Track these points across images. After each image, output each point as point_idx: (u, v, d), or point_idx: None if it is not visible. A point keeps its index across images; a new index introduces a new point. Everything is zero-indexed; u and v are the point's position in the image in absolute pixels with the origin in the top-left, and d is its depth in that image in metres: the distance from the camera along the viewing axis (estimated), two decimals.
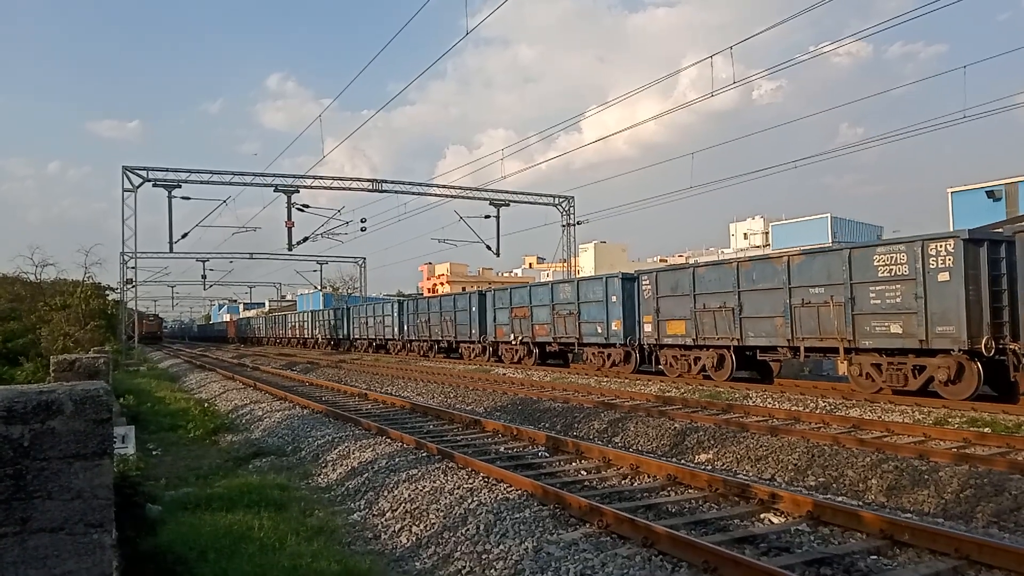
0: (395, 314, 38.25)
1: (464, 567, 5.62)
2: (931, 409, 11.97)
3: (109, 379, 10.10)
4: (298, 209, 35.66)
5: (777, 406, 13.12)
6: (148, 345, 63.80)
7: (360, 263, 65.41)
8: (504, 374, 22.25)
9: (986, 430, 10.07)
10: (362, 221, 40.07)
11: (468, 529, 6.28)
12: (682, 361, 18.58)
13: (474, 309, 29.46)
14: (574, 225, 41.49)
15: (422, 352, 35.19)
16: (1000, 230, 13.77)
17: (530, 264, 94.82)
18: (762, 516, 6.45)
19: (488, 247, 40.97)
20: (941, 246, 12.54)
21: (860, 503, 7.50)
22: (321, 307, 61.89)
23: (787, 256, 15.73)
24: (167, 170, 34.44)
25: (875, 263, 13.57)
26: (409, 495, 7.58)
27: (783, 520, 6.30)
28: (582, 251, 69.54)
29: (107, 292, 39.77)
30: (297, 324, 60.27)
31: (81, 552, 2.15)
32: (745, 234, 67.70)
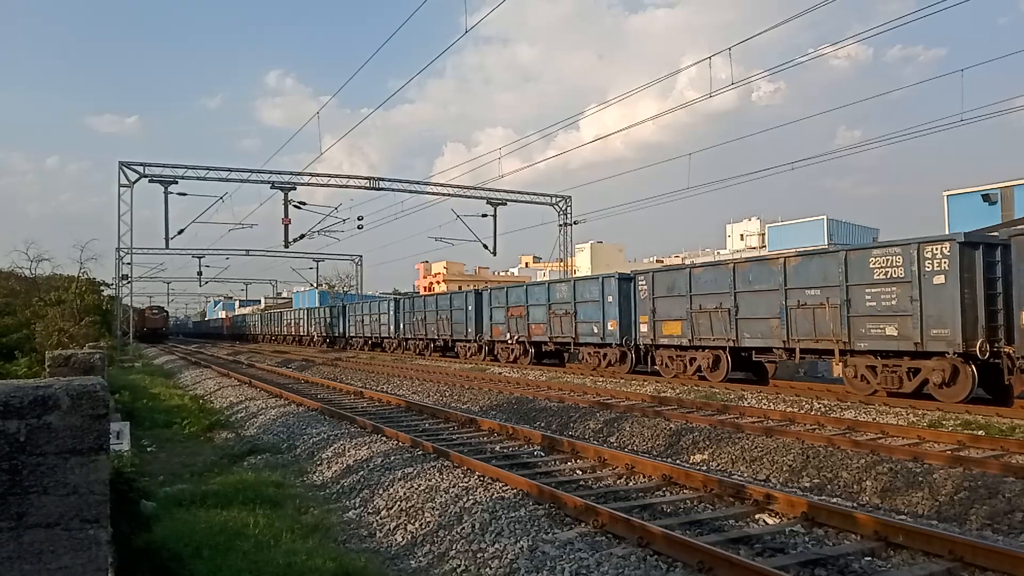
0: (391, 312, 38.23)
1: (459, 565, 5.62)
2: (925, 411, 12.01)
3: (105, 375, 10.06)
4: (295, 206, 35.64)
5: (772, 407, 13.15)
6: (152, 343, 61.74)
7: (356, 261, 65.39)
8: (500, 373, 22.24)
9: (980, 433, 10.10)
10: (359, 219, 40.07)
11: (463, 528, 6.28)
12: (678, 362, 18.61)
13: (470, 308, 29.46)
14: (571, 225, 41.53)
15: (418, 351, 35.17)
16: (996, 233, 13.82)
17: (526, 263, 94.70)
18: (757, 517, 6.47)
19: (485, 246, 41.02)
20: (937, 249, 12.58)
21: (854, 504, 7.51)
22: (317, 305, 61.81)
23: (783, 258, 15.77)
24: (164, 166, 34.40)
25: (871, 265, 13.60)
26: (404, 493, 7.57)
27: (778, 521, 6.32)
28: (579, 251, 69.51)
29: (102, 288, 39.65)
30: (293, 321, 60.20)
31: (77, 548, 2.14)
32: (741, 235, 67.86)
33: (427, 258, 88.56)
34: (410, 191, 39.32)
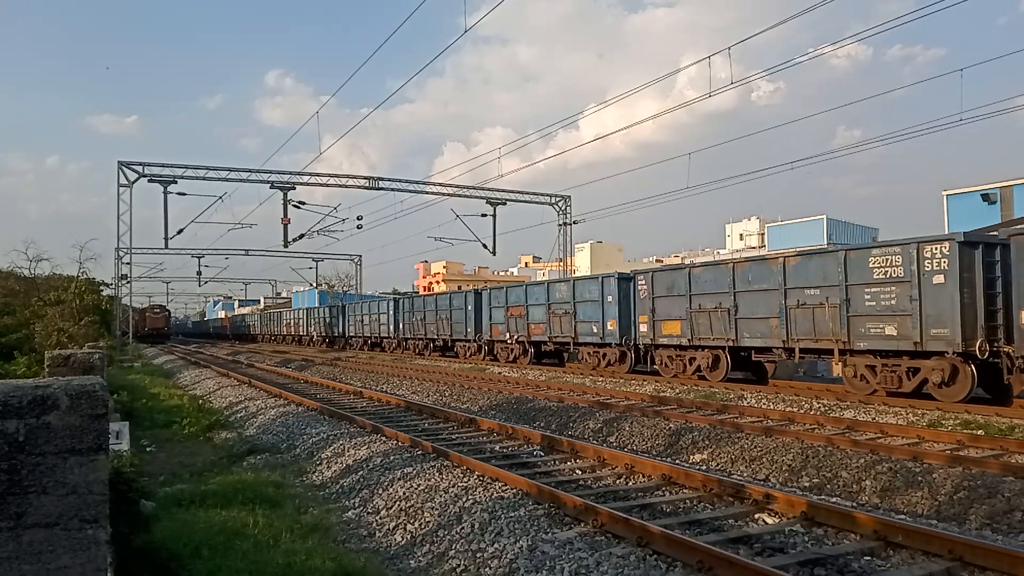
0: (391, 312, 38.22)
1: (459, 565, 5.62)
2: (925, 411, 12.01)
3: (104, 375, 10.06)
4: (294, 206, 35.57)
5: (772, 407, 13.15)
6: (153, 343, 61.43)
7: (356, 261, 65.30)
8: (499, 373, 22.24)
9: (979, 432, 10.10)
10: (358, 219, 40.01)
11: (463, 528, 6.28)
12: (677, 361, 18.61)
13: (470, 308, 29.45)
14: (570, 224, 41.51)
15: (417, 351, 35.16)
16: (995, 233, 13.83)
17: (526, 263, 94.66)
18: (756, 516, 6.47)
19: (484, 246, 40.98)
20: (936, 248, 12.58)
21: (854, 504, 7.51)
22: (316, 304, 61.77)
23: (783, 257, 15.77)
24: (163, 165, 34.35)
25: (870, 265, 13.60)
26: (404, 493, 7.57)
27: (777, 520, 6.32)
28: (578, 251, 69.47)
29: (101, 288, 39.63)
30: (292, 321, 60.16)
31: (76, 547, 2.14)
32: (741, 235, 67.92)
33: (426, 258, 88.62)
34: (409, 191, 39.28)
